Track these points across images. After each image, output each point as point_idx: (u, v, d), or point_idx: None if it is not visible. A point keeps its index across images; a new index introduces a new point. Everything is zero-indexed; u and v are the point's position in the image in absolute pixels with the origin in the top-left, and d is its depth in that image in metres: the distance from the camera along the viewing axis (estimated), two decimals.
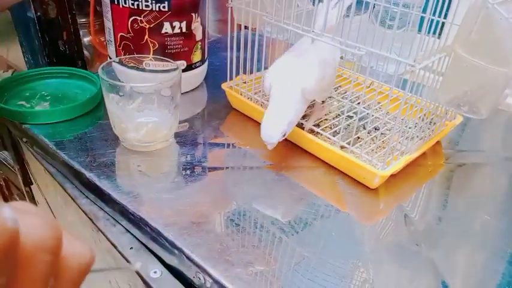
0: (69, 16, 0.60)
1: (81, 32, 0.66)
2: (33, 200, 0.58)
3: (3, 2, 0.34)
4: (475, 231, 0.38)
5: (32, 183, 0.56)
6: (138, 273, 0.33)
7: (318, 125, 0.47)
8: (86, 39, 0.74)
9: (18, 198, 0.84)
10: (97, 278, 0.41)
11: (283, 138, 0.41)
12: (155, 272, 0.33)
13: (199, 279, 0.32)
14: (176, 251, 0.33)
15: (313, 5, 0.51)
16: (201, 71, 0.57)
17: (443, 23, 0.41)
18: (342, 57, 0.57)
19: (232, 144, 0.47)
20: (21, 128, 0.47)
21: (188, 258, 0.32)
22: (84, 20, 0.71)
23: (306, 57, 0.43)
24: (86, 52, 0.71)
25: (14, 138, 0.52)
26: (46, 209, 0.53)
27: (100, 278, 0.44)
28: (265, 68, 0.51)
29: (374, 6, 0.59)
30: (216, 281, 0.30)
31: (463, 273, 0.34)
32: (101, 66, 0.41)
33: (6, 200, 0.90)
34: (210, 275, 0.31)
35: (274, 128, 0.39)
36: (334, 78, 0.47)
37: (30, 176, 0.54)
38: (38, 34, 0.60)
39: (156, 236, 0.34)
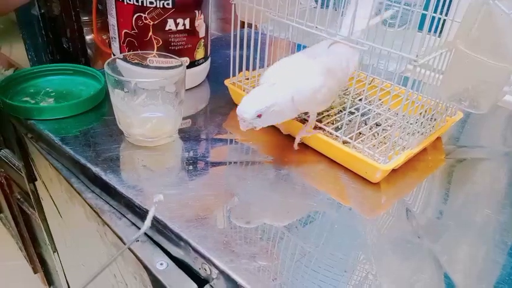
0: (73, 13, 0.60)
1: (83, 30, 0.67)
2: (37, 196, 0.59)
3: (11, 3, 0.35)
4: (475, 225, 0.38)
5: (36, 179, 0.56)
6: (144, 265, 0.34)
7: (320, 121, 0.47)
8: (88, 37, 0.74)
9: (20, 196, 0.85)
10: (102, 272, 0.41)
11: (258, 125, 0.39)
12: (161, 264, 0.34)
13: (205, 270, 0.32)
14: (182, 243, 0.33)
15: (316, 2, 0.52)
16: (204, 68, 0.58)
17: (444, 21, 0.42)
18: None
19: (235, 140, 0.48)
20: (27, 124, 0.48)
21: (194, 250, 0.32)
22: (86, 18, 0.72)
23: (310, 63, 0.41)
24: (88, 50, 0.72)
25: (19, 134, 0.52)
26: (51, 204, 0.53)
27: (105, 272, 0.44)
28: (268, 65, 0.51)
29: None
30: (221, 272, 0.31)
31: (464, 265, 0.34)
32: (107, 62, 0.42)
33: (7, 198, 0.91)
34: (216, 266, 0.31)
35: (251, 104, 0.38)
36: (336, 91, 0.43)
37: (35, 171, 0.55)
38: (42, 31, 0.60)
39: (162, 228, 0.35)
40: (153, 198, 0.34)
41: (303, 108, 0.41)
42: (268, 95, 0.39)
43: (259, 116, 0.38)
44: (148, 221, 0.32)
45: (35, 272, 1.01)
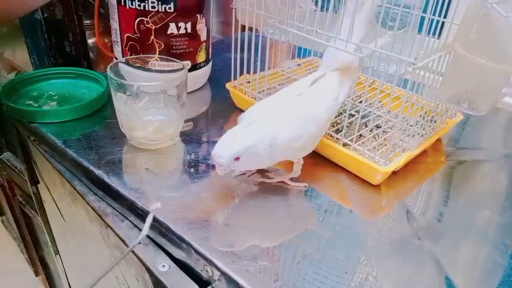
0: (75, 17, 0.61)
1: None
2: (39, 198, 0.59)
3: (22, 8, 0.35)
4: (476, 226, 0.39)
5: (39, 182, 0.57)
6: (146, 267, 0.34)
7: None
8: (90, 41, 0.75)
9: (21, 199, 0.85)
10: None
11: (237, 170, 0.36)
12: (163, 266, 0.34)
13: (207, 272, 0.32)
14: (184, 245, 0.34)
15: (316, 5, 0.52)
16: (205, 71, 0.58)
17: (443, 24, 0.42)
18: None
19: None
20: (30, 127, 0.48)
21: (196, 251, 0.33)
22: (88, 21, 0.73)
23: (290, 107, 0.38)
24: (90, 53, 0.72)
25: (22, 137, 0.52)
26: (53, 207, 0.54)
27: (107, 274, 0.45)
28: (269, 68, 0.52)
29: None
30: (223, 274, 0.31)
31: (464, 267, 0.34)
32: (109, 66, 0.42)
33: (9, 200, 0.91)
34: (218, 268, 0.31)
35: (228, 147, 0.34)
36: (319, 136, 0.40)
37: (38, 174, 0.55)
38: (45, 35, 0.61)
39: (164, 230, 0.35)
40: (151, 206, 0.34)
41: (281, 156, 0.37)
42: (245, 136, 0.35)
43: (237, 159, 0.34)
44: (146, 229, 0.32)
45: (37, 275, 1.02)
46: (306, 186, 0.40)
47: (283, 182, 0.40)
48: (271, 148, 0.35)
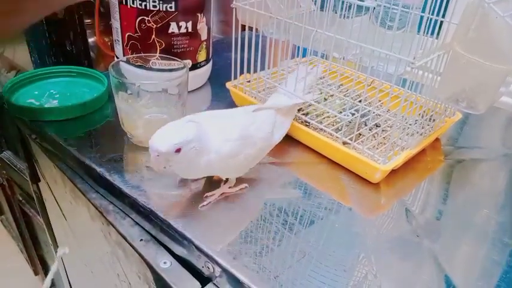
0: (76, 17, 0.61)
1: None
2: (40, 197, 0.59)
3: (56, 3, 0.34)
4: (474, 225, 0.39)
5: (40, 180, 0.57)
6: (147, 264, 0.34)
7: (320, 122, 0.48)
8: (90, 40, 0.75)
9: (21, 198, 0.85)
10: (105, 272, 0.42)
11: (174, 166, 0.33)
12: (165, 262, 0.34)
13: (208, 268, 0.33)
14: (186, 242, 0.34)
15: (315, 4, 0.53)
16: (205, 70, 0.58)
17: (441, 23, 0.42)
18: (343, 58, 0.59)
19: None
20: (31, 125, 0.48)
21: (197, 248, 0.33)
22: (89, 20, 0.73)
23: (230, 125, 0.37)
24: (90, 52, 0.72)
25: (23, 135, 0.53)
26: (54, 205, 0.54)
27: (108, 271, 0.45)
28: (269, 67, 0.52)
29: (374, 8, 0.61)
30: (224, 270, 0.31)
31: (463, 264, 0.35)
32: (111, 65, 0.42)
33: (8, 199, 0.91)
34: (219, 265, 0.32)
35: (169, 137, 0.32)
36: (253, 161, 0.39)
37: (39, 172, 0.55)
38: (46, 34, 0.61)
39: (165, 227, 0.35)
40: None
41: (216, 168, 0.36)
42: (189, 129, 0.33)
43: (177, 150, 0.31)
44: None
45: (36, 274, 1.02)
46: (246, 186, 0.39)
47: (223, 193, 0.39)
48: (209, 155, 0.34)
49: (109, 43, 0.78)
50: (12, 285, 1.07)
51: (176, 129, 0.33)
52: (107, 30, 0.75)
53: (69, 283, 0.69)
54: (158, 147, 0.31)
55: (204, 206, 0.37)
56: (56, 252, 0.65)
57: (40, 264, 0.95)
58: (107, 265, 0.44)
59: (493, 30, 0.32)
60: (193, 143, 0.32)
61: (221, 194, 0.38)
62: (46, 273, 0.94)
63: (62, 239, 0.60)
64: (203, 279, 0.33)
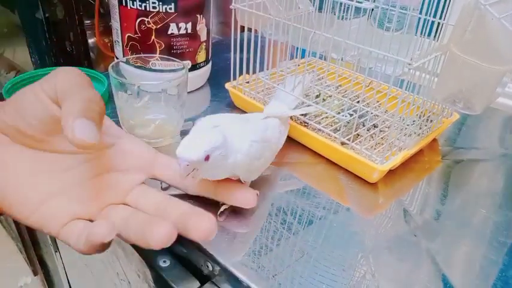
0: (76, 17, 0.61)
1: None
2: None
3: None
4: (472, 225, 0.39)
5: None
6: (147, 262, 0.35)
7: (319, 122, 0.48)
8: (90, 41, 0.75)
9: None
10: (105, 271, 0.42)
11: (200, 173, 0.33)
12: (164, 261, 0.34)
13: (208, 267, 0.33)
14: (185, 241, 0.34)
15: (313, 6, 0.53)
16: (205, 71, 0.59)
17: (438, 24, 0.43)
18: (341, 59, 0.59)
19: None
20: None
21: (197, 247, 0.33)
22: (88, 21, 0.73)
23: (247, 128, 0.37)
24: (90, 53, 0.73)
25: None
26: None
27: (108, 270, 0.45)
28: (267, 68, 0.52)
29: (372, 9, 0.61)
30: (223, 269, 0.32)
31: (461, 264, 0.35)
32: (111, 65, 0.43)
33: None
34: (218, 263, 0.32)
35: (198, 144, 0.32)
36: (267, 164, 0.40)
37: None
38: (46, 35, 0.61)
39: None
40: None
41: (238, 170, 0.35)
42: (215, 135, 0.33)
43: (206, 158, 0.31)
44: None
45: (35, 274, 1.02)
46: (257, 194, 0.37)
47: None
48: (235, 157, 0.34)
49: (109, 44, 0.79)
50: (11, 285, 1.07)
51: (202, 137, 0.33)
52: (107, 31, 0.75)
53: (69, 283, 0.69)
54: (189, 156, 0.31)
55: (222, 213, 0.37)
56: (55, 253, 0.65)
57: (39, 264, 0.96)
58: (107, 264, 0.45)
59: (489, 31, 0.33)
60: (220, 149, 0.33)
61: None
62: (45, 274, 0.94)
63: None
64: (202, 277, 0.34)
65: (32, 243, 0.92)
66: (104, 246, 0.28)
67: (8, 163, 0.28)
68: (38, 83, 0.28)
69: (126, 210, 0.31)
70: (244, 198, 0.35)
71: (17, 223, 0.92)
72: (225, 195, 0.36)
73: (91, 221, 0.30)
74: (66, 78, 0.28)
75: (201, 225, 0.28)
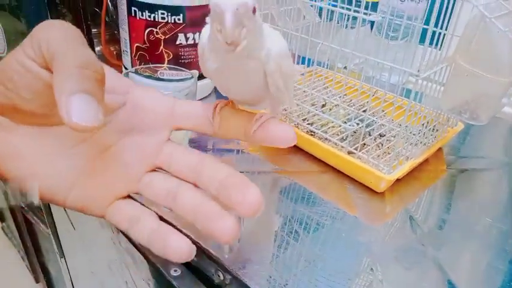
0: (84, 26, 0.62)
1: None
2: (47, 205, 0.60)
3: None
4: (478, 233, 0.40)
5: None
6: (158, 271, 0.35)
7: (325, 132, 0.49)
8: (96, 49, 0.76)
9: (24, 206, 0.85)
10: (113, 279, 0.42)
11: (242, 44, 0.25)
12: (175, 270, 0.35)
13: (219, 276, 0.33)
14: (196, 250, 0.34)
15: (320, 16, 0.54)
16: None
17: (444, 35, 0.43)
18: (345, 67, 0.60)
19: (242, 150, 0.49)
20: None
21: (208, 256, 0.33)
22: (95, 30, 0.74)
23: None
24: None
25: None
26: (62, 213, 0.54)
27: (116, 279, 0.45)
28: None
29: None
30: (234, 278, 0.32)
31: (467, 272, 0.35)
32: (122, 74, 0.43)
33: (11, 207, 0.91)
34: (229, 272, 0.32)
35: None
36: (291, 92, 0.35)
37: None
38: None
39: None
40: None
41: (270, 76, 0.29)
42: None
43: (254, 11, 0.25)
44: None
45: (37, 282, 1.01)
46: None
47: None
48: (266, 50, 0.28)
49: (114, 52, 0.79)
50: None
51: None
52: (112, 39, 0.76)
53: None
54: None
55: (255, 130, 0.29)
56: (60, 259, 0.65)
57: (42, 271, 0.95)
58: (115, 271, 0.45)
59: (495, 44, 0.34)
60: (259, 19, 0.27)
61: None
62: (47, 281, 0.94)
63: (68, 247, 0.60)
64: (213, 287, 0.34)
65: (35, 250, 0.92)
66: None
67: (20, 149, 0.24)
68: (20, 47, 0.22)
69: (171, 181, 0.27)
70: (282, 130, 0.28)
71: (20, 230, 0.92)
72: (258, 132, 0.29)
73: (133, 197, 0.27)
74: (52, 34, 0.22)
75: (245, 199, 0.24)
